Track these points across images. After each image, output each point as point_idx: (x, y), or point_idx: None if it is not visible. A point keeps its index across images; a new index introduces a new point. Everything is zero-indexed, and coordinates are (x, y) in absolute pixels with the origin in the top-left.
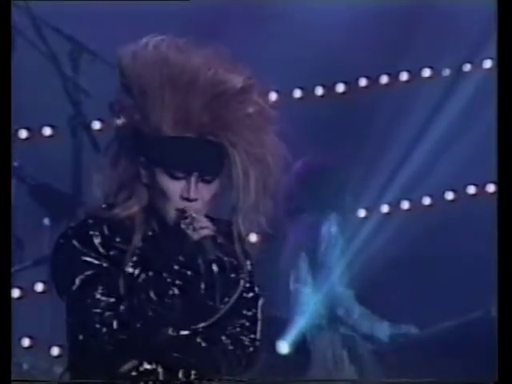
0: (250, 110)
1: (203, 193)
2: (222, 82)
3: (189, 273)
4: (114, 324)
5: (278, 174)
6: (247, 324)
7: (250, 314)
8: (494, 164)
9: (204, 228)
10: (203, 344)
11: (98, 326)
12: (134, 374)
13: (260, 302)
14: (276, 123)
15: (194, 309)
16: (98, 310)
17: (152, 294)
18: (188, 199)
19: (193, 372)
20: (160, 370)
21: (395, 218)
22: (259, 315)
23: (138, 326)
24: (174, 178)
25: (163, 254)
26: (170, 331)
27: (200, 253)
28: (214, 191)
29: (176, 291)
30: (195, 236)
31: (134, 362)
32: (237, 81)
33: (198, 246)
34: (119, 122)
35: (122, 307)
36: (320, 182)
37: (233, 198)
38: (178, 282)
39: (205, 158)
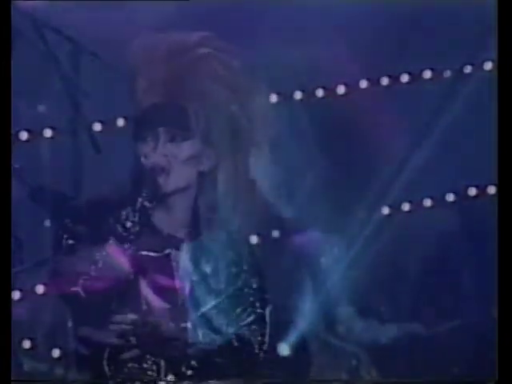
0: (206, 62)
1: (174, 152)
2: (180, 39)
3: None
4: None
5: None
6: (254, 327)
7: (257, 316)
8: (495, 166)
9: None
10: (208, 346)
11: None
12: (134, 368)
13: (269, 306)
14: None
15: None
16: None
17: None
18: (157, 155)
19: (194, 373)
20: (161, 367)
21: (396, 219)
22: (267, 319)
23: (130, 320)
24: (143, 139)
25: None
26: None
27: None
28: (187, 152)
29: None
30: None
31: (136, 351)
32: (193, 35)
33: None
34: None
35: (109, 297)
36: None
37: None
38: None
39: (170, 119)
